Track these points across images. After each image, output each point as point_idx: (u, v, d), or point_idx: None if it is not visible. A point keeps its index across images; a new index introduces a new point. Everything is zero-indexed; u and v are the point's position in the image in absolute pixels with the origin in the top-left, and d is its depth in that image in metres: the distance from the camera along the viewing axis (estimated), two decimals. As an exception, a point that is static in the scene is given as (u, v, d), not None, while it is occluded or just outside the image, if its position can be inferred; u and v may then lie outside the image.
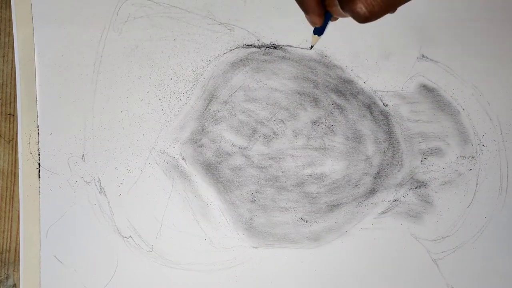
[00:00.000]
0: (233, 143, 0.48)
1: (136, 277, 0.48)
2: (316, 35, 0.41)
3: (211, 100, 0.48)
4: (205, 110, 0.48)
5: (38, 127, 0.48)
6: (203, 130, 0.48)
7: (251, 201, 0.48)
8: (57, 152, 0.48)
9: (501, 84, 0.48)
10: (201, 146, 0.48)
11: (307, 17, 0.36)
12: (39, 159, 0.48)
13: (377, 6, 0.32)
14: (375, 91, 0.48)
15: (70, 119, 0.48)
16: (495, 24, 0.48)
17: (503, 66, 0.48)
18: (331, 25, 0.50)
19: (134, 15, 0.49)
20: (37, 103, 0.48)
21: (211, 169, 0.48)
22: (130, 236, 0.48)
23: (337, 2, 0.34)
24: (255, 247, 0.48)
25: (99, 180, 0.48)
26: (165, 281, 0.48)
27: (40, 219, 0.48)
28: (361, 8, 0.32)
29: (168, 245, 0.48)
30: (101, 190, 0.48)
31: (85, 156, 0.48)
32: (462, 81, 0.48)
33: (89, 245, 0.48)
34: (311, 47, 0.45)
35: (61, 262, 0.48)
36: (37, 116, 0.48)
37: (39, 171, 0.48)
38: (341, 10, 0.34)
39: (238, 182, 0.48)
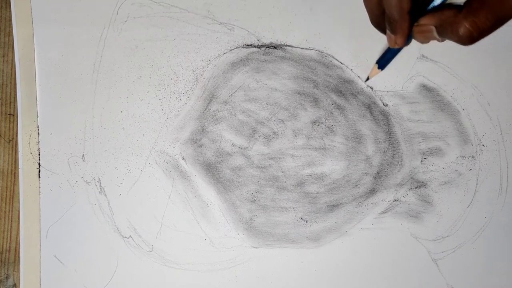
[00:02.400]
0: (233, 143, 0.48)
1: (136, 277, 0.48)
2: (378, 68, 0.40)
3: (211, 100, 0.48)
4: (205, 110, 0.48)
5: (38, 127, 0.48)
6: (203, 130, 0.48)
7: (251, 201, 0.48)
8: (57, 152, 0.48)
9: (501, 84, 0.48)
10: (201, 146, 0.48)
11: (390, 37, 0.34)
12: (39, 159, 0.48)
13: (485, 24, 0.29)
14: (375, 91, 0.48)
15: (70, 119, 0.48)
16: (495, 24, 0.48)
17: (503, 66, 0.48)
18: (335, 26, 0.50)
19: (133, 15, 0.49)
20: (37, 103, 0.48)
21: (211, 169, 0.48)
22: (130, 236, 0.48)
23: (432, 28, 0.32)
24: (255, 247, 0.48)
25: (99, 180, 0.48)
26: (165, 281, 0.48)
27: (40, 219, 0.48)
28: (467, 30, 0.30)
29: (168, 245, 0.48)
30: (101, 190, 0.48)
31: (85, 156, 0.48)
32: (462, 81, 0.48)
33: (89, 245, 0.48)
34: (367, 78, 0.45)
35: (61, 262, 0.48)
36: (37, 116, 0.48)
37: (39, 171, 0.48)
38: (436, 35, 0.32)
39: (238, 182, 0.48)
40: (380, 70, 0.40)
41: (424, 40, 0.33)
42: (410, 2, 0.31)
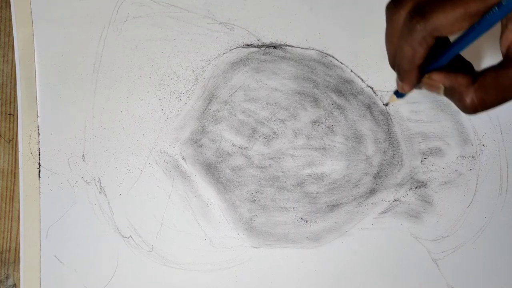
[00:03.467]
0: (233, 143, 0.48)
1: (136, 277, 0.48)
2: (397, 97, 0.40)
3: (211, 100, 0.48)
4: (205, 110, 0.48)
5: (38, 127, 0.48)
6: (203, 130, 0.48)
7: (251, 201, 0.48)
8: (57, 152, 0.48)
9: (501, 84, 0.48)
10: (201, 146, 0.48)
11: (398, 82, 0.34)
12: (39, 159, 0.48)
13: (492, 103, 0.29)
14: (375, 91, 0.48)
15: (70, 119, 0.48)
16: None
17: (503, 66, 0.48)
18: (335, 26, 0.50)
19: (133, 15, 0.48)
20: (37, 103, 0.48)
21: (211, 169, 0.48)
22: (130, 236, 0.48)
23: (441, 86, 0.31)
24: (255, 247, 0.48)
25: (99, 180, 0.48)
26: (165, 281, 0.48)
27: (40, 219, 0.48)
28: (473, 102, 0.30)
29: (168, 245, 0.48)
30: (101, 190, 0.48)
31: (85, 156, 0.48)
32: (462, 81, 0.48)
33: (89, 245, 0.48)
34: (387, 104, 0.45)
35: (61, 262, 0.48)
36: (37, 116, 0.48)
37: (39, 171, 0.48)
38: (442, 93, 0.32)
39: (238, 182, 0.48)
40: (399, 98, 0.40)
41: (429, 91, 0.33)
42: (423, 59, 0.31)
